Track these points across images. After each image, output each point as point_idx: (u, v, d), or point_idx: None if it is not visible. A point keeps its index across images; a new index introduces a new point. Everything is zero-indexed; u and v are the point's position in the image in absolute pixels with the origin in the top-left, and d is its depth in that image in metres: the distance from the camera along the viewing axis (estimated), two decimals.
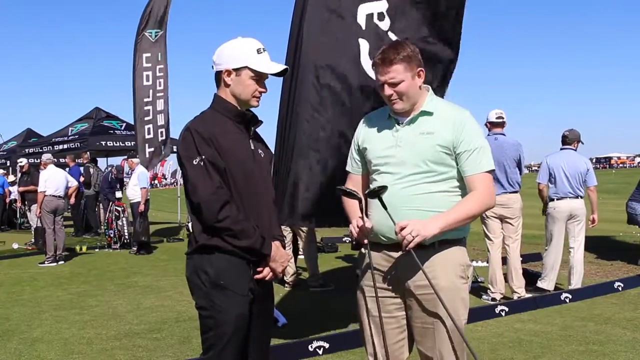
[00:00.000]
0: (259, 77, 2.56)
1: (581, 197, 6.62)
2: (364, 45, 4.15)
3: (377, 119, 2.73)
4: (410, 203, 2.50)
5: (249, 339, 2.58)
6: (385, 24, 4.18)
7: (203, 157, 2.44)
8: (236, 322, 2.48)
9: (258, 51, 2.54)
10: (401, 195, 2.52)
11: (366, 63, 4.13)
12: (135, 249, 11.11)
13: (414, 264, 2.50)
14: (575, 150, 6.78)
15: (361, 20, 4.17)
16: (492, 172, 2.58)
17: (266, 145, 2.78)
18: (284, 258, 2.64)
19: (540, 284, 6.61)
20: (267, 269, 2.58)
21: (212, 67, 2.61)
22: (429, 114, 2.58)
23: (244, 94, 2.56)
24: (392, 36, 4.13)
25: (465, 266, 2.59)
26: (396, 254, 2.57)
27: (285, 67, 2.62)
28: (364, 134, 2.74)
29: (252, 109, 2.67)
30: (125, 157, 13.70)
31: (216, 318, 2.48)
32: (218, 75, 2.60)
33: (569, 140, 6.77)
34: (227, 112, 2.58)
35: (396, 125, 2.62)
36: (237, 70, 2.54)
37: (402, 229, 2.37)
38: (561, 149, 6.80)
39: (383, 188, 2.43)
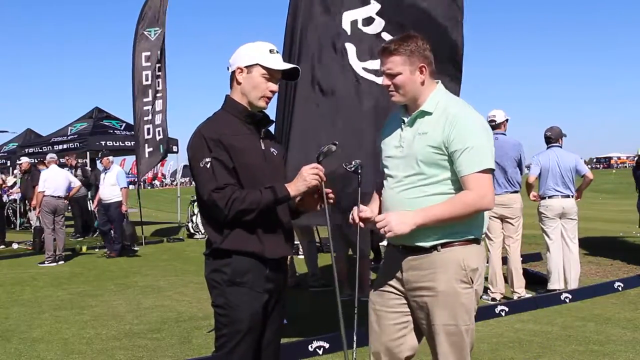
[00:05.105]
0: (270, 76, 2.58)
1: (571, 196, 6.57)
2: (351, 48, 4.23)
3: (394, 119, 2.68)
4: (409, 207, 2.43)
5: (261, 341, 2.59)
6: (374, 28, 4.25)
7: (209, 158, 2.46)
8: (250, 320, 2.49)
9: (270, 51, 2.58)
10: (398, 200, 2.49)
11: (356, 65, 4.22)
12: (109, 252, 10.49)
13: (414, 265, 2.51)
14: (561, 146, 6.73)
15: (346, 26, 4.25)
16: (488, 171, 2.43)
17: (279, 143, 2.80)
18: (306, 171, 2.50)
19: (550, 286, 6.50)
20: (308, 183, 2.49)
21: (228, 68, 2.64)
22: (429, 113, 2.50)
23: (254, 92, 2.57)
24: (387, 36, 4.17)
25: (470, 270, 2.46)
26: (401, 254, 2.56)
27: (296, 66, 2.66)
28: (382, 135, 2.71)
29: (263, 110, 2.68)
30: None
31: (230, 315, 2.49)
32: (232, 76, 2.63)
33: (553, 139, 6.70)
34: (238, 113, 2.60)
35: (402, 125, 2.57)
36: (248, 67, 2.57)
37: (379, 222, 2.38)
38: (547, 148, 6.74)
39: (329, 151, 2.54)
